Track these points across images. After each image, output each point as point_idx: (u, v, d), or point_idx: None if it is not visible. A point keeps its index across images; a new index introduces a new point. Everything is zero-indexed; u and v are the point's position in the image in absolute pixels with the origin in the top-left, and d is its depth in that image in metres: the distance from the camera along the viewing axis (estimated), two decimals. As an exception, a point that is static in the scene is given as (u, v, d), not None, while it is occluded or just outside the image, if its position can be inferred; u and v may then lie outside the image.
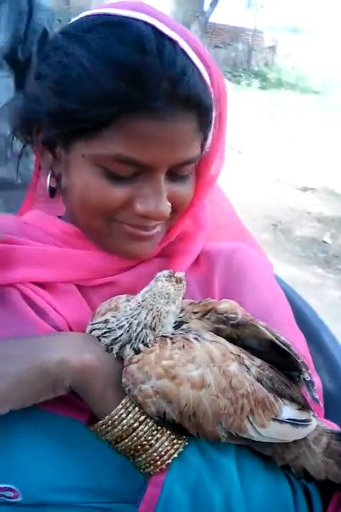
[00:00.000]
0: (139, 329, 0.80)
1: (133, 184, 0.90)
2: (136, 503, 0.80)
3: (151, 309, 0.81)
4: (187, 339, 0.80)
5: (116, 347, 0.81)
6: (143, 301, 0.81)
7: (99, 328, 0.83)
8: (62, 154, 0.94)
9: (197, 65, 0.89)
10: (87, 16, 0.92)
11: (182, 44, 0.87)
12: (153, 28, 0.86)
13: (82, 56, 0.84)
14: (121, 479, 0.86)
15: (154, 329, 0.81)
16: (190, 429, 0.78)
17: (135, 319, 0.81)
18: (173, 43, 0.86)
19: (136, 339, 0.80)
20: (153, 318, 0.81)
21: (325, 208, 7.32)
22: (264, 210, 6.87)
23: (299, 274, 5.11)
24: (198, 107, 0.88)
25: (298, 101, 14.70)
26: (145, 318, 0.81)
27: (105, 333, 0.82)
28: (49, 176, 0.99)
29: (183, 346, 0.80)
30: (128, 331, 0.81)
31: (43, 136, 0.94)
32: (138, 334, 0.80)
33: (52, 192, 1.00)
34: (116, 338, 0.81)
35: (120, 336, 0.81)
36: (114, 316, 0.83)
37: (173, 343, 0.80)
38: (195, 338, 0.81)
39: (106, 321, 0.84)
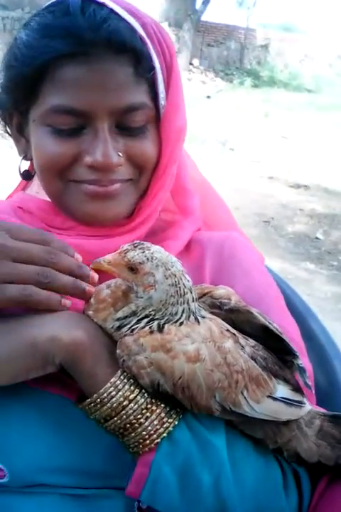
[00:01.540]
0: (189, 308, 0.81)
1: (80, 138, 0.94)
2: (124, 489, 0.80)
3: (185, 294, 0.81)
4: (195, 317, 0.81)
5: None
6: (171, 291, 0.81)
7: (128, 322, 0.82)
8: (28, 134, 1.00)
9: (126, 18, 0.95)
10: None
11: (111, 5, 0.95)
12: None
13: (24, 34, 0.96)
14: (110, 462, 0.85)
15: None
16: (184, 401, 0.78)
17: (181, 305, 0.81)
18: (100, 4, 0.94)
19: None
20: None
21: (318, 204, 7.34)
22: (257, 207, 6.88)
23: (291, 270, 5.12)
24: (126, 50, 0.92)
25: (290, 99, 14.75)
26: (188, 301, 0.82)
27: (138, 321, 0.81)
28: (21, 159, 1.05)
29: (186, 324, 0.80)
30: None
31: (14, 119, 1.03)
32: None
33: (27, 176, 1.08)
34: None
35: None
36: (143, 308, 0.81)
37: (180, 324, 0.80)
38: (200, 316, 0.82)
39: (134, 313, 0.82)
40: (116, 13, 0.94)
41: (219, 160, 8.75)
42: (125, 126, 0.95)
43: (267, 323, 0.86)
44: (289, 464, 0.87)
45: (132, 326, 0.80)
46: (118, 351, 0.79)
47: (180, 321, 0.80)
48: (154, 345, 0.77)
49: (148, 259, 0.79)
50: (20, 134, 1.04)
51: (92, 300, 0.84)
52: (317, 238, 6.20)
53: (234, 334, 0.83)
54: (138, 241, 0.82)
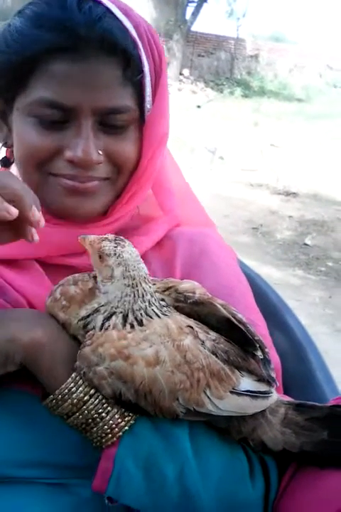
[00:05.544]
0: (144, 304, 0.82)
1: (63, 132, 0.94)
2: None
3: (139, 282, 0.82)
4: (147, 314, 0.81)
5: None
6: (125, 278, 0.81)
7: (92, 320, 0.82)
8: (11, 122, 0.99)
9: (120, 18, 0.95)
10: None
11: (107, 3, 0.95)
12: None
13: (17, 22, 0.96)
14: (80, 455, 0.85)
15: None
16: (147, 408, 0.78)
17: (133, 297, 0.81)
18: (96, 2, 0.94)
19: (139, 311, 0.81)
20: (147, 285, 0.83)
21: (307, 211, 7.39)
22: (246, 215, 6.91)
23: (280, 276, 5.14)
24: (118, 51, 0.93)
25: (280, 109, 14.83)
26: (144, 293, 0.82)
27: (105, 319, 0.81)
28: (0, 146, 1.04)
29: (141, 321, 0.80)
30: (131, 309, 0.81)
31: None
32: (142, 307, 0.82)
33: (5, 163, 1.06)
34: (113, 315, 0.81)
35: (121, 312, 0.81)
36: (103, 305, 0.82)
37: (129, 320, 0.80)
38: (154, 312, 0.82)
39: (97, 310, 0.82)
40: (111, 13, 0.94)
41: (209, 168, 8.79)
42: (107, 125, 0.96)
43: (229, 315, 0.86)
44: (256, 453, 0.86)
45: (102, 324, 0.81)
46: (77, 363, 0.79)
47: (151, 313, 0.81)
48: (113, 354, 0.77)
49: (115, 254, 0.81)
50: (2, 121, 1.03)
51: (59, 296, 0.84)
52: (305, 244, 6.24)
53: (192, 329, 0.82)
54: (120, 237, 0.84)
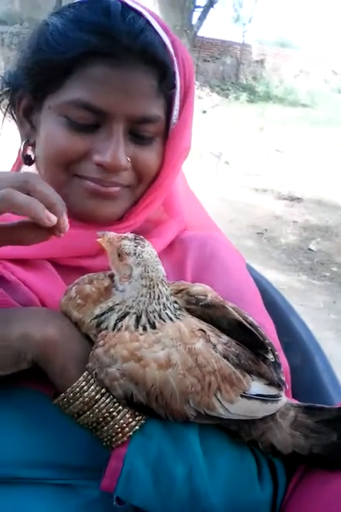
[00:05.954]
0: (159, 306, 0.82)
1: (93, 136, 0.96)
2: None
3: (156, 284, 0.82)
4: (160, 317, 0.81)
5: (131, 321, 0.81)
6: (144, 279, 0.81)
7: (105, 319, 0.82)
8: (37, 120, 1.01)
9: (160, 33, 0.97)
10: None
11: (148, 16, 0.97)
12: (122, 2, 0.96)
13: (57, 22, 0.97)
14: (89, 456, 0.85)
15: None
16: (158, 410, 0.78)
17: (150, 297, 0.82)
18: (138, 13, 0.96)
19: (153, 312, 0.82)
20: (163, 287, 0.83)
21: (311, 216, 7.38)
22: (251, 219, 6.91)
23: (285, 281, 5.13)
24: (156, 64, 0.95)
25: (286, 114, 14.83)
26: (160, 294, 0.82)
27: (119, 318, 0.82)
28: (23, 144, 1.05)
29: (154, 323, 0.80)
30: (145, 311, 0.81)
31: (24, 102, 1.03)
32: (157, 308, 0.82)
33: (28, 160, 1.06)
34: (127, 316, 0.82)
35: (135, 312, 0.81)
36: (118, 303, 0.82)
37: (141, 322, 0.81)
38: (167, 316, 0.82)
39: (111, 309, 0.83)
40: (151, 26, 0.96)
41: (214, 173, 8.80)
42: (137, 134, 0.97)
43: (241, 318, 0.86)
44: (265, 456, 0.87)
45: (115, 324, 0.81)
46: (89, 364, 0.79)
47: (164, 317, 0.82)
48: (125, 356, 0.77)
49: (134, 253, 0.81)
50: (25, 117, 1.04)
51: (75, 294, 0.84)
52: (310, 249, 6.23)
53: (204, 332, 0.82)
54: (140, 236, 0.84)
